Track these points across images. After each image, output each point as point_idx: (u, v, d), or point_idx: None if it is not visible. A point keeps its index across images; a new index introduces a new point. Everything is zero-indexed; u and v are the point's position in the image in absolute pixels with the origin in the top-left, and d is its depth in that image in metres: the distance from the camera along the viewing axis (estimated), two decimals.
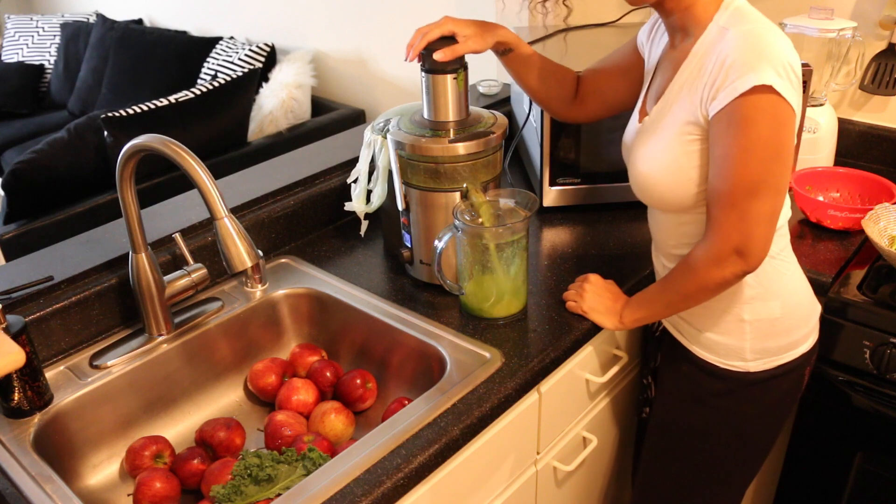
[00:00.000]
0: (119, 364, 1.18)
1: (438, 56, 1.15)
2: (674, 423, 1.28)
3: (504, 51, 1.27)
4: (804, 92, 1.33)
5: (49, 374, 1.16)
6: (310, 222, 1.52)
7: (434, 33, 1.16)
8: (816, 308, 1.22)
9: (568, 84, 1.33)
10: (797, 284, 1.18)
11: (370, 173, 1.40)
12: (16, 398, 1.07)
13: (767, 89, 0.94)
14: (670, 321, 1.26)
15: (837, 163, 1.72)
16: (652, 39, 1.21)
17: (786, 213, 1.13)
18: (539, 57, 1.30)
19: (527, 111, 1.66)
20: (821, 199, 1.53)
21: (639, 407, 1.47)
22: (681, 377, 1.25)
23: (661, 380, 1.31)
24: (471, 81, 1.29)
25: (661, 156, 1.08)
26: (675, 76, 1.07)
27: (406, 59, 1.17)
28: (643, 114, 1.16)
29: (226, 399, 1.31)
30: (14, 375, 1.05)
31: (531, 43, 1.67)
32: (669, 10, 1.07)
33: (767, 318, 1.15)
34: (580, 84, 1.33)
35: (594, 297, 1.23)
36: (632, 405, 1.53)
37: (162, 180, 2.58)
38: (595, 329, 1.25)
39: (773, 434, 1.27)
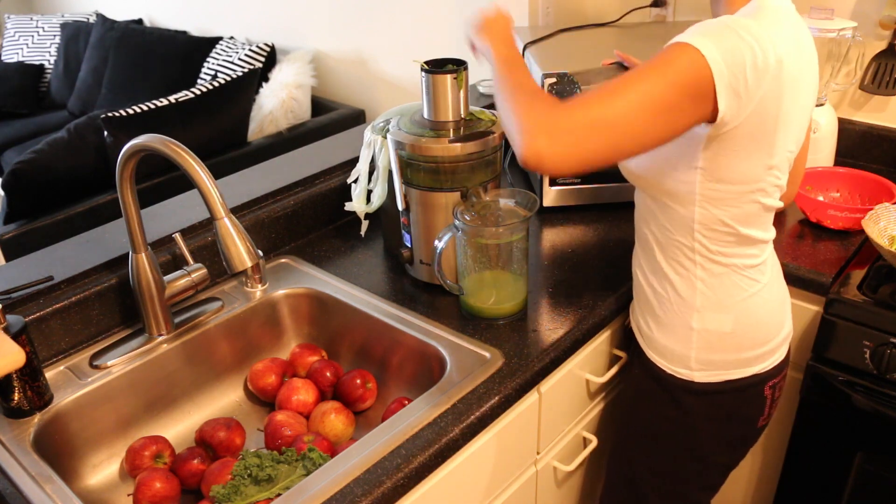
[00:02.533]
0: (119, 364, 1.18)
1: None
2: (627, 425, 1.27)
3: None
4: None
5: (49, 374, 1.16)
6: (310, 222, 1.52)
7: None
8: (781, 332, 1.16)
9: None
10: (760, 303, 1.12)
11: (370, 173, 1.40)
12: (16, 398, 1.07)
13: (685, 45, 0.91)
14: (635, 320, 1.24)
15: (837, 163, 1.72)
16: None
17: (769, 233, 1.11)
18: None
19: None
20: (821, 199, 1.53)
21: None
22: (632, 378, 1.25)
23: (624, 379, 1.31)
24: (471, 81, 1.29)
25: None
26: None
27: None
28: None
29: (226, 399, 1.31)
30: (14, 375, 1.05)
31: (531, 43, 1.68)
32: None
33: (716, 331, 1.12)
34: None
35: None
36: None
37: (162, 180, 2.58)
38: (595, 329, 1.25)
39: (729, 453, 1.24)
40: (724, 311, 1.11)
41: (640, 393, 1.23)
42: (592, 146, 0.90)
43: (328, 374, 1.28)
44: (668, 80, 0.90)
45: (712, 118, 0.94)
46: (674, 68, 0.90)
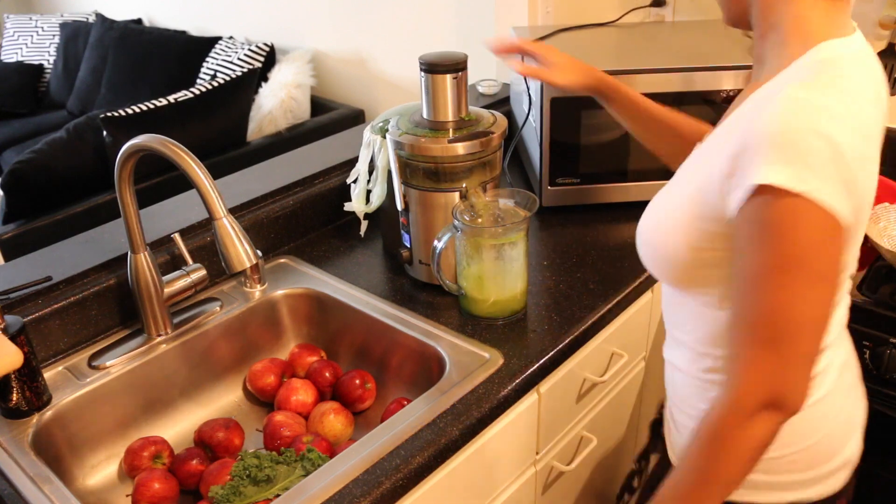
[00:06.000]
0: (118, 364, 1.18)
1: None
2: None
3: (600, 97, 1.18)
4: None
5: (47, 374, 1.16)
6: (309, 222, 1.52)
7: (528, 47, 1.18)
8: (835, 457, 0.95)
9: (687, 134, 1.11)
10: (827, 410, 0.91)
11: (369, 173, 1.40)
12: (14, 398, 1.07)
13: (792, 192, 0.71)
14: (671, 448, 1.07)
15: None
16: None
17: (831, 334, 0.90)
18: (648, 105, 1.15)
19: (526, 111, 1.66)
20: None
21: (619, 493, 1.30)
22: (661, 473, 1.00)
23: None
24: (470, 81, 1.29)
25: (665, 208, 0.91)
26: (724, 120, 0.89)
27: (497, 52, 1.20)
28: None
29: (225, 399, 1.31)
30: (12, 376, 1.05)
31: None
32: (753, 31, 0.87)
33: (777, 452, 0.90)
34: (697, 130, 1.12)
35: None
36: (631, 405, 1.53)
37: (161, 180, 2.58)
38: (594, 329, 1.25)
39: None
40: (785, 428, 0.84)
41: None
42: (803, 374, 0.77)
43: (327, 374, 1.28)
44: (813, 256, 0.73)
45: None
46: (806, 242, 0.73)
